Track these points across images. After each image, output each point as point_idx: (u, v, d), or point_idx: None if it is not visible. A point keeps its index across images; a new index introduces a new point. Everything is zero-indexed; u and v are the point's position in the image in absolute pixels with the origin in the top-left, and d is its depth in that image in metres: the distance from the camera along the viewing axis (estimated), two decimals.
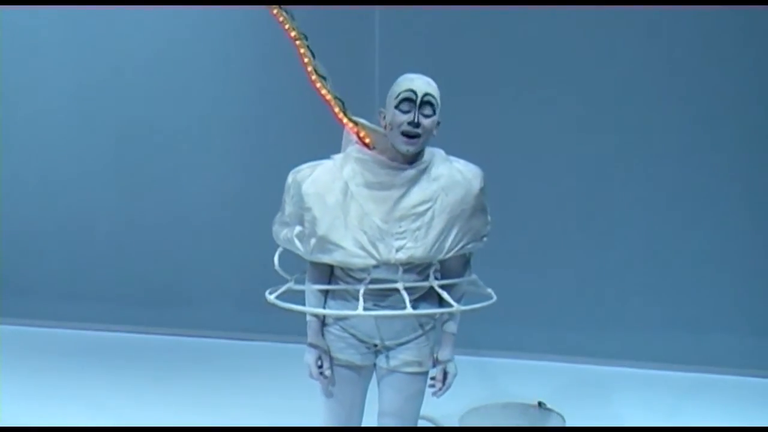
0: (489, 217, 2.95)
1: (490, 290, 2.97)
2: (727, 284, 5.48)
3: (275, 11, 2.95)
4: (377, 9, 5.39)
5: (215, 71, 6.04)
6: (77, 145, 6.24)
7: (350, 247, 2.80)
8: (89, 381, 5.20)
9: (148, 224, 6.19)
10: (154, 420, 4.49)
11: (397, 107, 2.78)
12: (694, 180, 5.48)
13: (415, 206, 2.81)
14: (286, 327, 5.32)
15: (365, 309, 2.78)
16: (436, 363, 3.01)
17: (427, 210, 2.82)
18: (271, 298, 2.87)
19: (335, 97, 2.96)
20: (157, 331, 6.16)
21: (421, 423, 3.88)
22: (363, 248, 2.79)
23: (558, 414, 4.07)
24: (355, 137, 2.91)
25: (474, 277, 3.00)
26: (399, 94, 2.78)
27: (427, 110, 2.79)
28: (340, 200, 2.82)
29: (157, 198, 6.17)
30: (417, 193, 2.82)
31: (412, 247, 2.79)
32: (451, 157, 2.93)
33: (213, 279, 6.12)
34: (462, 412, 4.06)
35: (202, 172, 6.11)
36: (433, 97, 2.79)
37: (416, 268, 2.85)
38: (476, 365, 5.48)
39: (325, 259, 2.84)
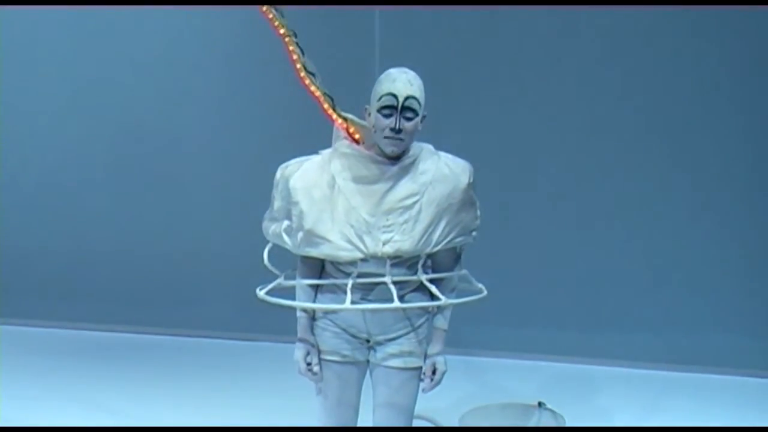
0: (478, 212, 2.95)
1: (480, 285, 2.96)
2: (726, 284, 5.48)
3: (264, 8, 2.95)
4: (377, 9, 5.38)
5: (212, 73, 6.05)
6: (77, 146, 6.25)
7: (337, 241, 2.81)
8: (89, 381, 5.20)
9: (147, 224, 6.19)
10: (154, 420, 4.50)
11: (379, 111, 2.78)
12: (693, 180, 5.49)
13: (402, 200, 2.82)
14: (286, 327, 5.30)
15: (353, 302, 2.79)
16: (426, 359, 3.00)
17: (414, 203, 2.82)
18: (261, 294, 2.88)
19: (324, 94, 2.97)
20: (157, 331, 6.16)
21: (421, 423, 3.88)
22: (350, 241, 2.80)
23: (558, 414, 4.07)
24: (344, 132, 2.92)
25: (464, 272, 3.00)
26: (381, 98, 2.78)
27: (409, 114, 2.78)
28: (327, 194, 2.83)
29: (157, 198, 6.17)
30: (404, 187, 2.83)
31: (399, 240, 2.80)
32: (440, 152, 2.93)
33: (213, 279, 6.11)
34: (462, 412, 4.06)
35: (201, 171, 6.11)
36: (415, 99, 2.78)
37: (405, 262, 2.85)
38: (476, 365, 5.48)
39: (313, 252, 2.86)
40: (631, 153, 5.53)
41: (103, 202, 6.25)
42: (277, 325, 5.69)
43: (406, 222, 2.81)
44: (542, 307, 5.67)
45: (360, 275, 2.83)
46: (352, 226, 2.81)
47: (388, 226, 2.81)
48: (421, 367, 2.98)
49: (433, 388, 2.99)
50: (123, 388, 5.07)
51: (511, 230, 5.51)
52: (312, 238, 2.84)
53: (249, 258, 5.97)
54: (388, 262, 2.81)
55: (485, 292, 2.94)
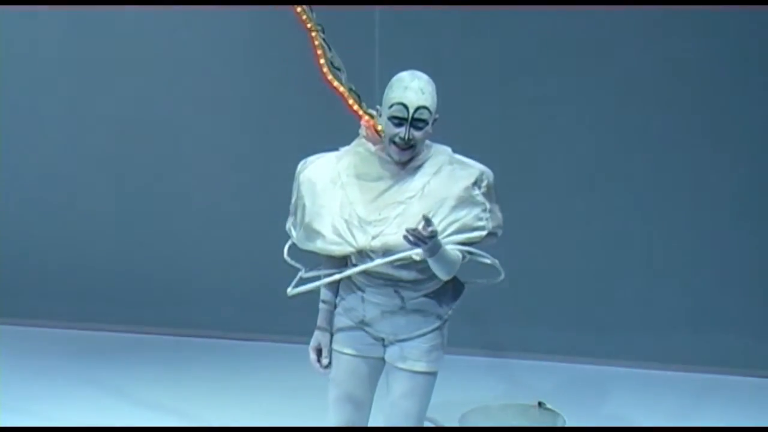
0: (485, 213, 2.90)
1: (495, 261, 2.90)
2: (727, 284, 5.48)
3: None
4: (377, 9, 5.38)
5: (214, 70, 6.03)
6: (77, 144, 6.23)
7: (329, 235, 2.83)
8: (89, 381, 5.19)
9: (148, 224, 6.18)
10: (154, 420, 4.50)
11: (389, 118, 2.78)
12: (694, 179, 5.48)
13: (397, 197, 2.83)
14: (287, 327, 5.32)
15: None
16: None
17: (409, 199, 2.82)
18: (290, 291, 2.89)
19: (350, 90, 2.96)
20: (157, 331, 6.15)
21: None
22: (340, 235, 2.82)
23: (558, 414, 4.07)
24: (371, 130, 2.92)
25: (471, 249, 2.86)
26: (391, 106, 2.77)
27: (420, 123, 2.77)
28: (328, 189, 2.86)
29: (157, 197, 6.16)
30: (403, 186, 2.84)
31: (388, 233, 2.79)
32: (457, 155, 2.93)
33: (213, 279, 6.11)
34: (462, 412, 4.06)
35: (203, 171, 6.10)
36: (425, 109, 2.76)
37: (417, 264, 2.81)
38: (476, 365, 5.47)
39: (309, 246, 2.89)
40: (632, 153, 5.52)
41: (103, 201, 6.24)
42: (277, 325, 5.72)
43: (398, 216, 2.81)
44: (542, 307, 5.67)
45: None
46: (345, 221, 2.82)
47: (380, 220, 2.81)
48: (431, 373, 2.96)
49: (410, 238, 2.60)
50: (123, 388, 5.07)
51: (512, 230, 5.49)
52: (309, 232, 2.87)
53: (250, 258, 6.01)
54: (382, 258, 2.79)
55: (496, 262, 2.90)
